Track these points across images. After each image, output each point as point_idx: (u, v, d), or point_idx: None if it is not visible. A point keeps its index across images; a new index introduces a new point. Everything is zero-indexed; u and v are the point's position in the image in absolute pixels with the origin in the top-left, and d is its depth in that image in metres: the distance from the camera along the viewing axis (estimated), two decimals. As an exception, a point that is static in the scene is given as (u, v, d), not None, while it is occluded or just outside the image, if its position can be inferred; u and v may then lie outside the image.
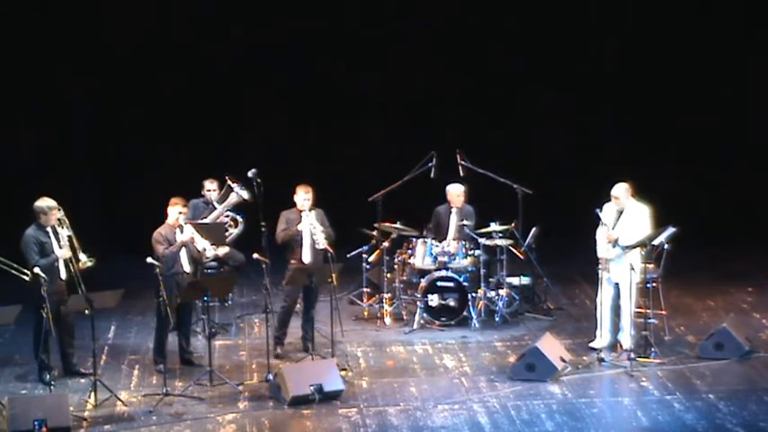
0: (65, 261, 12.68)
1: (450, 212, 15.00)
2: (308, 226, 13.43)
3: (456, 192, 14.96)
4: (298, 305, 13.88)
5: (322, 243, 13.38)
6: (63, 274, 12.68)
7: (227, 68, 18.04)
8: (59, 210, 12.76)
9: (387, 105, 18.53)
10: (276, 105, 18.32)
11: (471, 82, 18.36)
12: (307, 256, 13.52)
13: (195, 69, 17.94)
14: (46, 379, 12.52)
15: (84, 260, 12.79)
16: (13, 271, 12.40)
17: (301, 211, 13.51)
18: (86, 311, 12.14)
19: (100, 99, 17.92)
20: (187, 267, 13.04)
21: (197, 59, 17.92)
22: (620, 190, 13.33)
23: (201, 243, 13.09)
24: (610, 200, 13.38)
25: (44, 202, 12.68)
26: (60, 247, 12.66)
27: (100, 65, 17.74)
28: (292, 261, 13.53)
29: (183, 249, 12.98)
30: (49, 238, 12.63)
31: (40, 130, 17.80)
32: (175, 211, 13.05)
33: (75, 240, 12.82)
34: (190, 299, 13.05)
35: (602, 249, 13.35)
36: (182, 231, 13.05)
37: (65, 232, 12.74)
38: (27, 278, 12.34)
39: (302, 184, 13.63)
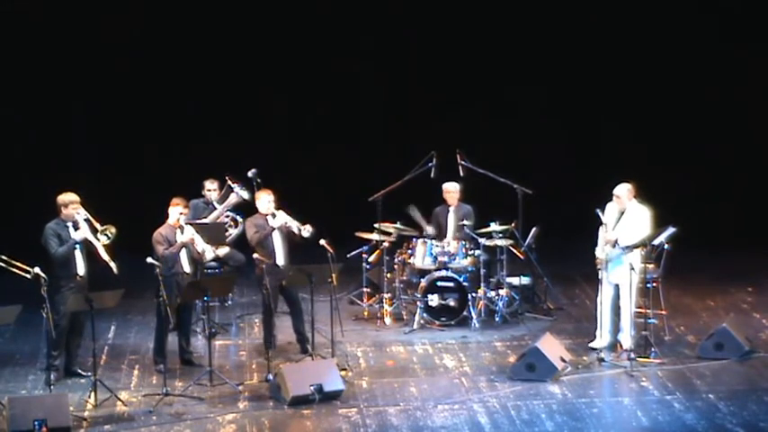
0: (84, 258, 12.57)
1: (448, 212, 15.02)
2: (283, 222, 13.38)
3: (451, 189, 14.96)
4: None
5: (303, 230, 13.34)
6: (81, 270, 12.61)
7: (227, 68, 18.02)
8: (78, 203, 12.69)
9: (386, 105, 18.52)
10: (276, 105, 18.31)
11: (471, 82, 18.35)
12: (280, 259, 13.46)
13: (195, 69, 17.93)
14: (48, 380, 12.51)
15: (101, 228, 12.60)
16: (15, 270, 12.38)
17: (266, 216, 13.47)
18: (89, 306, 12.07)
19: (100, 99, 17.91)
20: (187, 267, 13.03)
21: (197, 59, 17.91)
22: (623, 190, 13.30)
23: (201, 245, 13.09)
24: (611, 199, 13.38)
25: (65, 196, 12.66)
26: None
27: (100, 64, 17.73)
28: (261, 265, 13.38)
29: (184, 250, 12.98)
30: (68, 231, 12.57)
31: (40, 130, 17.81)
32: (176, 211, 13.04)
33: (93, 222, 12.71)
34: (190, 299, 13.05)
35: (600, 249, 13.35)
36: (182, 232, 13.04)
37: (82, 216, 12.66)
38: (29, 276, 12.29)
39: (264, 189, 13.60)
